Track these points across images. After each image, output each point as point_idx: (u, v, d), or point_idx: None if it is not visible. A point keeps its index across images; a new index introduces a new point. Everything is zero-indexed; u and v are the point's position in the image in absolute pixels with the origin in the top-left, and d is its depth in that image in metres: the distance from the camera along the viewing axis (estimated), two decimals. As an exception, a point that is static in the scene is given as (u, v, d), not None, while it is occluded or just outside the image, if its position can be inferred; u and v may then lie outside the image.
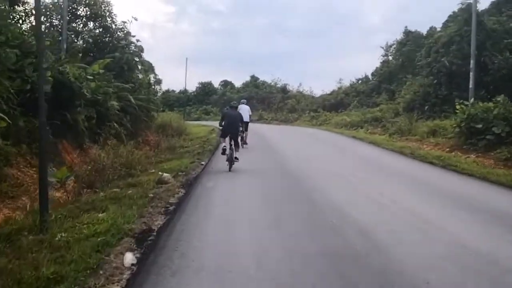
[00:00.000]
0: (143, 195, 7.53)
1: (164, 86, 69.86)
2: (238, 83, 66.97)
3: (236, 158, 12.25)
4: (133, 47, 19.47)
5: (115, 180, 9.33)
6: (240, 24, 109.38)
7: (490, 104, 16.40)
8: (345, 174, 11.75)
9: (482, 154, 14.89)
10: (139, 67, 20.64)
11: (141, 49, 19.39)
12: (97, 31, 19.54)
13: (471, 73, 19.08)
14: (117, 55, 18.37)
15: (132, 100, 17.63)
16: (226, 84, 68.38)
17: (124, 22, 19.41)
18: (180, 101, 66.29)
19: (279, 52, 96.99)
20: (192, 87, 69.77)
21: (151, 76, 72.25)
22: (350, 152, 18.03)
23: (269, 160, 14.79)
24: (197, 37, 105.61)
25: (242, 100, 19.95)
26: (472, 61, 19.28)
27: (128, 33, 19.28)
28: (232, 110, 13.41)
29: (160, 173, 9.83)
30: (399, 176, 12.08)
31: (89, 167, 9.31)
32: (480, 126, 15.47)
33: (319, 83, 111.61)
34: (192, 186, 9.47)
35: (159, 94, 74.38)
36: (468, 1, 27.71)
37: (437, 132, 20.08)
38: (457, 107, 17.62)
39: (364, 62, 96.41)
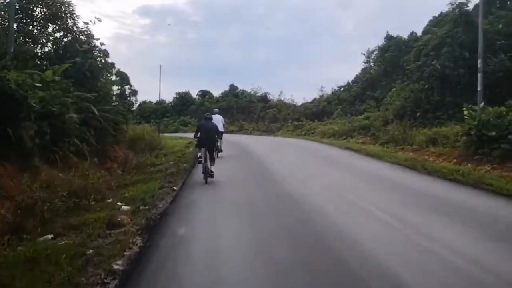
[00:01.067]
0: (77, 252, 5.14)
1: (142, 98, 67.77)
2: (216, 93, 64.87)
3: (211, 172, 11.95)
4: (97, 52, 17.17)
5: (57, 217, 7.05)
6: (216, 35, 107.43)
7: (502, 108, 14.67)
8: (363, 204, 8.71)
9: (497, 166, 13.06)
10: (106, 74, 18.30)
11: (106, 54, 17.11)
12: (57, 34, 17.21)
13: (479, 74, 17.45)
14: (78, 60, 16.06)
15: (96, 111, 15.35)
16: (204, 94, 66.13)
17: (87, 24, 17.07)
18: (157, 113, 63.79)
19: (256, 62, 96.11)
20: (169, 98, 67.52)
21: (126, 87, 70.73)
22: (351, 168, 15.43)
23: (260, 182, 12.25)
24: (174, 48, 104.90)
25: (214, 110, 18.86)
26: (479, 60, 17.65)
27: (91, 36, 16.98)
28: (207, 122, 13.03)
29: (119, 203, 7.62)
30: (434, 204, 9.12)
31: (22, 201, 6.97)
32: (493, 133, 13.65)
33: (300, 92, 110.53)
34: (156, 231, 6.82)
35: (135, 106, 72.89)
36: (459, 1, 26.29)
37: (437, 141, 18.28)
38: (465, 112, 15.88)
39: (342, 70, 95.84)
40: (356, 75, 55.45)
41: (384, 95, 43.66)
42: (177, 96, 65.92)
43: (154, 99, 67.43)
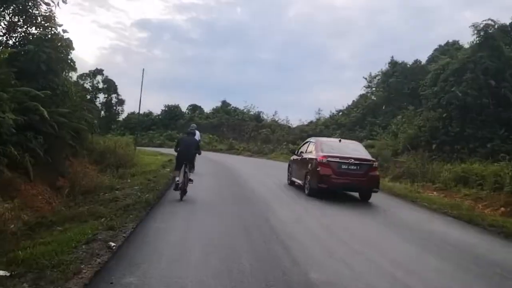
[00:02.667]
0: None
1: (132, 109, 64.63)
2: (208, 109, 61.48)
3: (190, 180, 12.01)
4: (59, 42, 13.70)
5: None
6: (212, 53, 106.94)
7: None
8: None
9: None
10: (67, 70, 14.76)
11: (69, 44, 13.64)
12: (9, 16, 13.72)
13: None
14: (31, 48, 12.61)
15: (46, 114, 11.84)
16: (194, 108, 62.72)
17: (48, 4, 13.59)
18: (143, 125, 60.26)
19: (250, 83, 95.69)
20: (158, 110, 63.99)
21: (113, 96, 67.16)
22: (384, 219, 10.58)
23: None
24: (169, 63, 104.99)
25: (192, 125, 16.26)
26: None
27: (51, 19, 13.49)
28: (189, 136, 12.86)
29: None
30: None
31: None
32: None
33: (293, 115, 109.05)
34: None
35: (121, 116, 69.23)
36: (485, 22, 23.36)
37: (468, 181, 14.98)
38: None
39: (335, 97, 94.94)
40: (353, 101, 52.81)
41: (386, 122, 41.06)
42: (166, 108, 62.41)
43: (142, 110, 63.81)
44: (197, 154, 12.85)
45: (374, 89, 50.19)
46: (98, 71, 67.18)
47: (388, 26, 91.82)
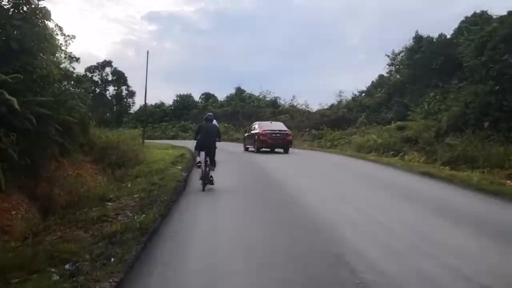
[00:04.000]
0: None
1: (143, 101, 62.35)
2: (221, 97, 58.58)
3: (211, 177, 11.09)
4: (37, 16, 10.95)
5: None
6: (223, 43, 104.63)
7: None
8: None
9: None
10: (48, 48, 11.94)
11: (45, 15, 10.84)
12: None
13: None
14: (-4, 21, 9.90)
15: (16, 104, 9.19)
16: (207, 97, 59.89)
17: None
18: (155, 116, 57.78)
19: (263, 70, 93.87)
20: (170, 101, 61.38)
21: (123, 88, 64.71)
22: None
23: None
24: (180, 55, 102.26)
25: (208, 113, 14.23)
26: None
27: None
28: (208, 123, 12.09)
29: None
30: None
31: None
32: None
33: (311, 100, 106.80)
34: None
35: (133, 108, 66.90)
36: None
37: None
38: None
39: (350, 80, 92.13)
40: (373, 81, 49.48)
41: (414, 101, 37.90)
42: (178, 98, 59.72)
43: (154, 101, 61.47)
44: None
45: (398, 67, 46.74)
46: (107, 63, 64.80)
47: (399, 6, 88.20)
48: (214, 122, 12.92)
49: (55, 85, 11.67)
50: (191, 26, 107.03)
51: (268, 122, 26.54)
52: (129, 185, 10.68)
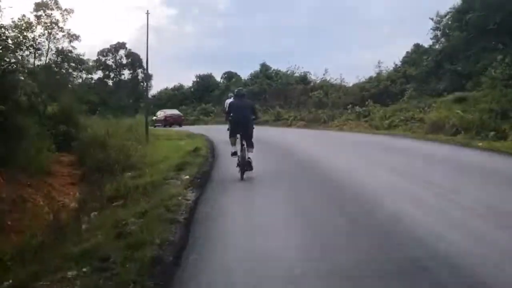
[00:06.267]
0: None
1: (163, 86, 58.75)
2: (245, 76, 53.42)
3: (249, 159, 9.51)
4: None
5: None
6: (243, 23, 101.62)
7: None
8: None
9: None
10: None
11: None
12: None
13: None
14: None
15: None
16: (230, 76, 54.81)
17: None
18: (173, 100, 53.28)
19: (285, 50, 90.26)
20: (189, 83, 56.86)
21: (139, 71, 60.27)
22: None
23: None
24: (200, 38, 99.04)
25: (229, 94, 15.15)
26: None
27: None
28: (240, 99, 10.35)
29: None
30: None
31: None
32: None
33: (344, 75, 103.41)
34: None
35: (151, 93, 62.49)
36: None
37: None
38: None
39: (379, 55, 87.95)
40: (408, 52, 43.67)
41: (470, 68, 32.38)
42: (198, 79, 54.89)
43: (173, 84, 57.29)
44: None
45: (445, 31, 40.72)
46: (120, 45, 60.47)
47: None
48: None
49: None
50: (210, 8, 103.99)
51: (168, 110, 40.84)
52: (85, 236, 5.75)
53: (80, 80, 39.81)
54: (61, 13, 34.51)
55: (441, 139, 15.69)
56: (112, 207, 6.78)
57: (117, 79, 61.30)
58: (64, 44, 35.40)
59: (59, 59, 35.67)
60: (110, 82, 60.96)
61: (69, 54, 35.75)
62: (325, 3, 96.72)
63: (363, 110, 28.12)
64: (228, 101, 13.90)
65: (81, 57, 37.16)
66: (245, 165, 9.43)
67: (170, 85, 58.89)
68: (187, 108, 49.96)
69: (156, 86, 60.69)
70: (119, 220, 5.52)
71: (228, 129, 10.95)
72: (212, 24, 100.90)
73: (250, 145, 9.90)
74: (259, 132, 18.92)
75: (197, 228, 5.71)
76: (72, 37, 35.67)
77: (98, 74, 59.87)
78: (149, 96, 59.69)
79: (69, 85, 37.41)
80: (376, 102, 30.02)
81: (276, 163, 11.63)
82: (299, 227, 5.84)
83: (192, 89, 55.10)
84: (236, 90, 10.92)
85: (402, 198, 7.31)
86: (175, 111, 40.13)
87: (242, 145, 9.77)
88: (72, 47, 35.98)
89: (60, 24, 34.97)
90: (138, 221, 5.61)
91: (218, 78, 56.23)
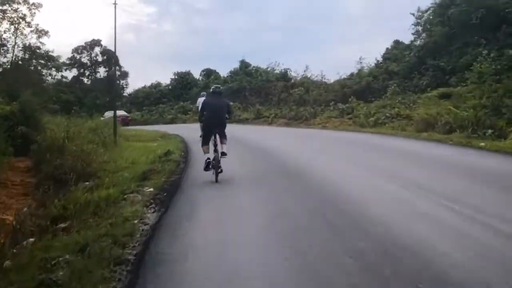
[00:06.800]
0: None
1: (140, 84, 57.17)
2: (224, 73, 52.09)
3: (223, 153, 8.92)
4: None
5: None
6: (222, 22, 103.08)
7: None
8: None
9: None
10: None
11: None
12: None
13: None
14: None
15: None
16: (208, 73, 53.44)
17: None
18: (151, 98, 51.72)
19: (264, 48, 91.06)
20: (167, 80, 55.32)
21: (115, 69, 58.37)
22: None
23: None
24: (180, 36, 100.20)
25: (202, 93, 14.57)
26: None
27: None
28: (215, 97, 9.58)
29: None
30: None
31: None
32: None
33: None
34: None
35: (127, 91, 60.80)
36: None
37: None
38: None
39: (359, 51, 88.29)
40: (387, 48, 43.03)
41: (453, 63, 31.97)
42: (176, 77, 53.35)
43: (150, 82, 55.81)
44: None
45: (427, 26, 40.13)
46: (96, 42, 58.58)
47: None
48: None
49: None
50: (189, 7, 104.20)
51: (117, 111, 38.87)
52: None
53: (50, 78, 37.88)
54: (28, 8, 32.67)
55: (436, 138, 14.42)
56: (52, 232, 5.51)
57: (93, 77, 59.47)
58: (32, 40, 33.48)
59: (27, 55, 33.63)
60: (85, 80, 59.29)
61: (37, 51, 33.76)
62: (303, 2, 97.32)
63: (346, 107, 27.14)
64: (201, 99, 12.88)
65: (50, 53, 35.14)
66: (219, 167, 8.71)
67: (146, 82, 57.51)
68: (165, 107, 48.48)
69: (135, 85, 59.35)
70: (49, 258, 4.27)
71: (200, 136, 10.13)
72: (191, 22, 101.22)
73: (224, 137, 9.28)
74: (237, 132, 17.63)
75: (149, 276, 4.22)
76: (41, 33, 33.77)
77: (73, 72, 58.02)
78: (126, 94, 58.21)
79: (42, 84, 35.52)
80: (359, 99, 29.13)
81: (256, 171, 9.91)
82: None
83: (170, 87, 53.54)
84: (212, 87, 10.00)
85: (426, 229, 5.23)
86: (122, 112, 39.91)
87: (215, 144, 9.11)
88: (41, 43, 34.09)
89: (28, 19, 33.12)
90: (74, 259, 4.29)
91: (196, 76, 54.86)
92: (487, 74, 20.26)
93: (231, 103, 11.18)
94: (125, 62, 60.06)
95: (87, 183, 8.46)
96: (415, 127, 16.65)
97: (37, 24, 33.99)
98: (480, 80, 20.90)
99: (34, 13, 33.42)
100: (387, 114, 21.48)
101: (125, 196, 6.89)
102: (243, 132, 19.80)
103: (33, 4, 33.19)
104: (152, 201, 6.80)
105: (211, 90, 9.97)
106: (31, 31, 33.54)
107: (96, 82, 58.14)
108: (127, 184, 7.80)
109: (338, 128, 21.84)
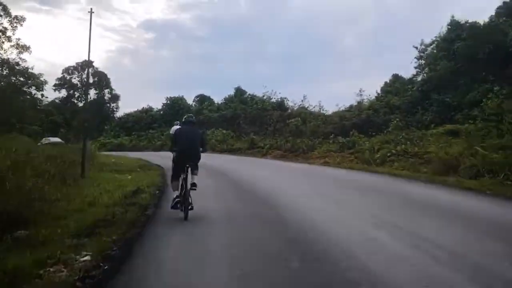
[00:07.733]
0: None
1: (131, 108, 55.44)
2: (218, 99, 50.39)
3: (193, 185, 8.22)
4: None
5: None
6: (219, 50, 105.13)
7: None
8: None
9: None
10: None
11: None
12: None
13: None
14: None
15: None
16: (202, 100, 51.74)
17: None
18: (142, 123, 49.71)
19: (261, 76, 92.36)
20: (159, 105, 53.51)
21: (106, 91, 56.55)
22: None
23: None
24: (177, 63, 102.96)
25: (175, 122, 12.89)
26: None
27: None
28: (188, 126, 8.97)
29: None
30: None
31: None
32: None
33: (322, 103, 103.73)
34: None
35: (117, 114, 58.57)
36: None
37: None
38: None
39: (354, 86, 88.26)
40: (386, 82, 41.71)
41: (459, 99, 30.52)
42: (168, 102, 51.52)
43: (141, 106, 53.93)
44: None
45: (430, 60, 38.84)
46: (87, 63, 56.81)
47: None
48: None
49: None
50: (187, 33, 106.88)
51: (52, 137, 38.41)
52: None
53: (28, 97, 35.29)
54: (9, 21, 30.41)
55: (467, 185, 11.67)
56: None
57: (83, 98, 57.63)
58: (12, 56, 31.00)
59: (4, 72, 31.17)
60: (75, 101, 57.39)
61: (16, 67, 31.31)
62: (299, 34, 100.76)
63: (346, 141, 25.12)
64: (175, 127, 11.86)
65: (30, 71, 32.77)
66: (189, 203, 8.03)
67: (138, 106, 55.61)
68: (154, 132, 46.46)
69: (126, 109, 57.38)
70: None
71: (172, 167, 9.38)
72: (189, 49, 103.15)
73: (195, 168, 8.58)
74: (225, 161, 14.81)
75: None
76: (22, 48, 31.46)
77: (62, 93, 56.16)
78: (116, 117, 56.21)
79: (20, 102, 33.11)
80: (360, 133, 27.27)
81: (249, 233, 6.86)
82: None
83: (161, 112, 51.66)
84: (185, 116, 9.37)
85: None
86: (56, 139, 38.35)
87: (185, 178, 8.31)
88: (21, 59, 31.67)
89: (8, 33, 30.76)
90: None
91: (190, 101, 53.13)
92: (505, 111, 18.40)
93: (207, 132, 9.52)
94: (118, 86, 58.57)
95: (20, 232, 6.30)
96: (432, 168, 14.37)
97: (18, 39, 31.86)
98: (498, 117, 19.08)
99: (16, 27, 31.32)
100: (393, 151, 19.44)
101: (42, 272, 4.52)
102: (235, 165, 17.55)
103: (15, 17, 31.05)
104: (79, 283, 4.24)
105: (183, 119, 9.31)
106: (11, 46, 31.37)
107: (85, 104, 56.35)
108: (61, 243, 5.50)
109: (342, 165, 19.52)
